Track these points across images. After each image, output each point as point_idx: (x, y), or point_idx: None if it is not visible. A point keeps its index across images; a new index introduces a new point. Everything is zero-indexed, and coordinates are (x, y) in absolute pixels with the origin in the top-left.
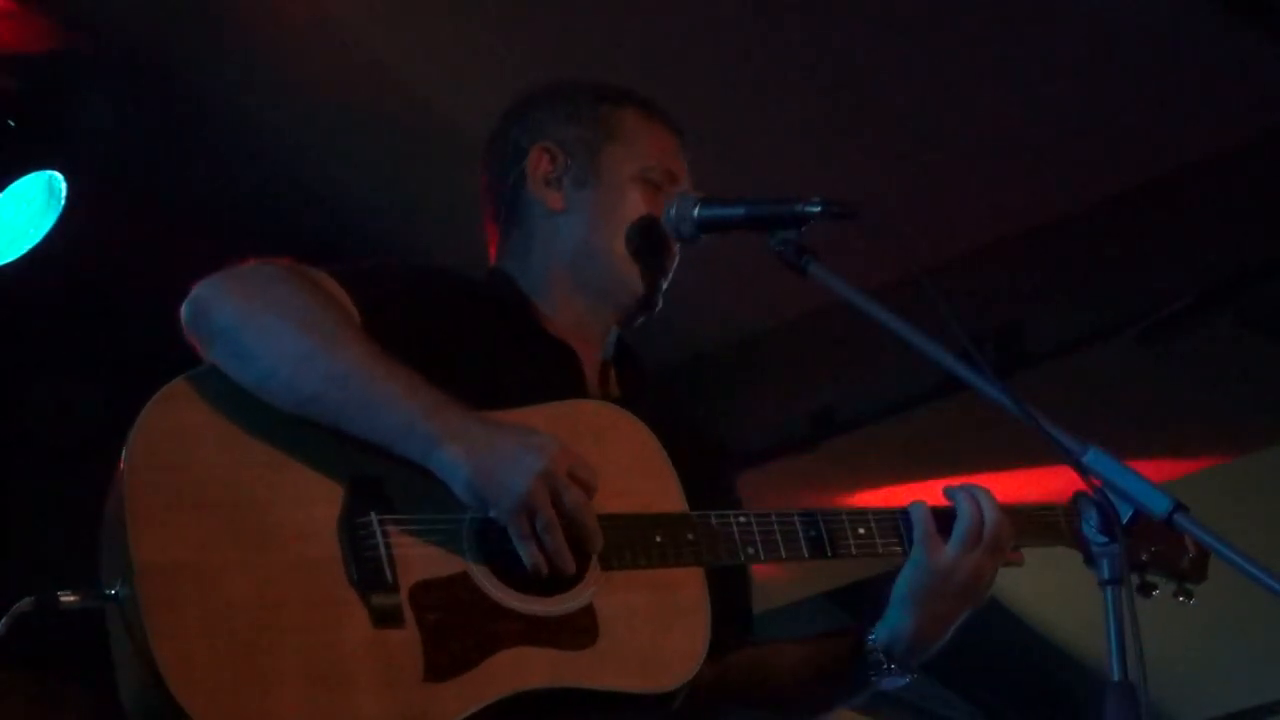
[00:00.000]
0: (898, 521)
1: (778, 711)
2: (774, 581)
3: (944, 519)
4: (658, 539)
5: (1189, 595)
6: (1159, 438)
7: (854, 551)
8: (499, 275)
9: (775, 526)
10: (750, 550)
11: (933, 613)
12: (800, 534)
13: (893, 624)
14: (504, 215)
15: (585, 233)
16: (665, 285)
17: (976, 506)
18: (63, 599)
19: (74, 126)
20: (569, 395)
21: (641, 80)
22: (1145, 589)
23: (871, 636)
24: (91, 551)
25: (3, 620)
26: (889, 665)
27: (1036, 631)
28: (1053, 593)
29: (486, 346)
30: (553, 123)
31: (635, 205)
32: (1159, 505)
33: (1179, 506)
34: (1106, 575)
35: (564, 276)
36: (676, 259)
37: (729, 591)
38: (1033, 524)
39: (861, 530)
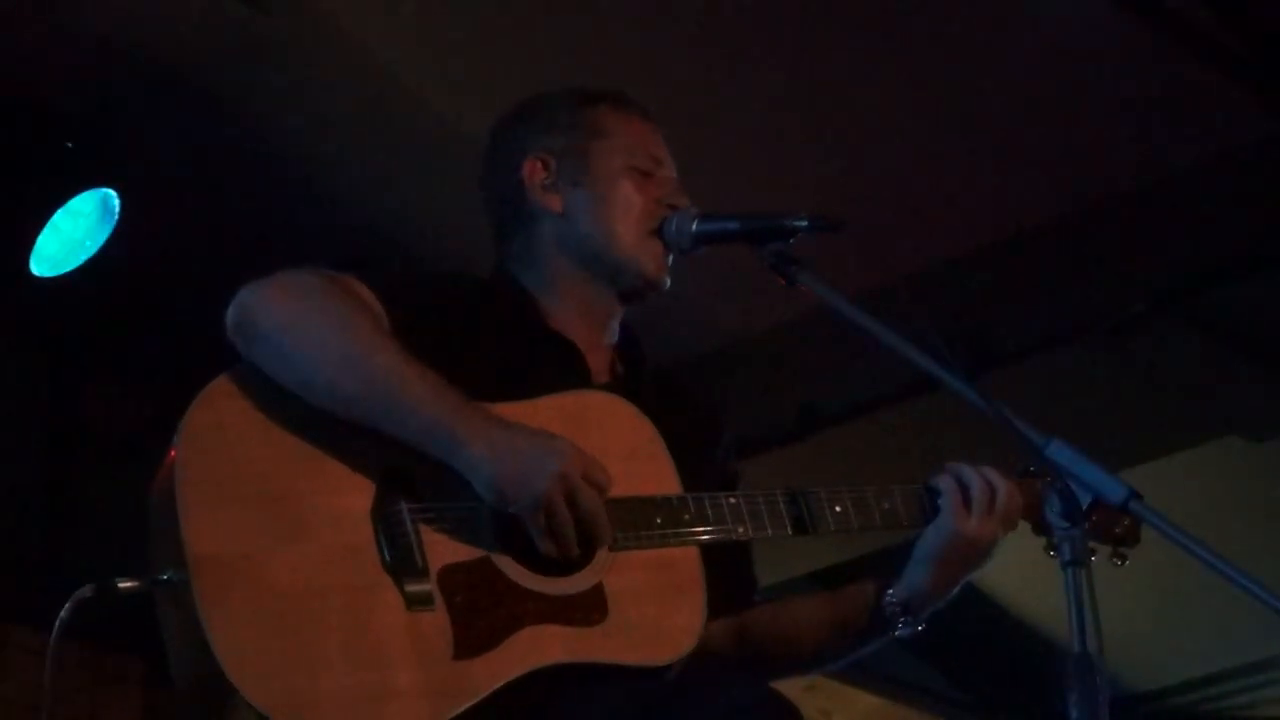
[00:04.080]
0: (869, 500)
1: (796, 661)
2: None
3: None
4: (658, 521)
5: (1123, 558)
6: (1115, 430)
7: (831, 528)
8: (504, 276)
9: (762, 506)
10: (740, 529)
11: (947, 573)
12: (784, 512)
13: (911, 582)
14: (507, 224)
15: (589, 226)
16: (670, 263)
17: (985, 479)
18: (120, 585)
19: (127, 148)
20: (573, 386)
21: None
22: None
23: (890, 591)
24: (144, 537)
25: (66, 606)
26: (905, 619)
27: (1008, 611)
28: (1023, 577)
29: (496, 344)
30: (537, 134)
31: (629, 194)
32: (1116, 493)
33: (1133, 494)
34: (1068, 557)
35: (571, 270)
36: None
37: (731, 560)
38: None
39: (838, 508)
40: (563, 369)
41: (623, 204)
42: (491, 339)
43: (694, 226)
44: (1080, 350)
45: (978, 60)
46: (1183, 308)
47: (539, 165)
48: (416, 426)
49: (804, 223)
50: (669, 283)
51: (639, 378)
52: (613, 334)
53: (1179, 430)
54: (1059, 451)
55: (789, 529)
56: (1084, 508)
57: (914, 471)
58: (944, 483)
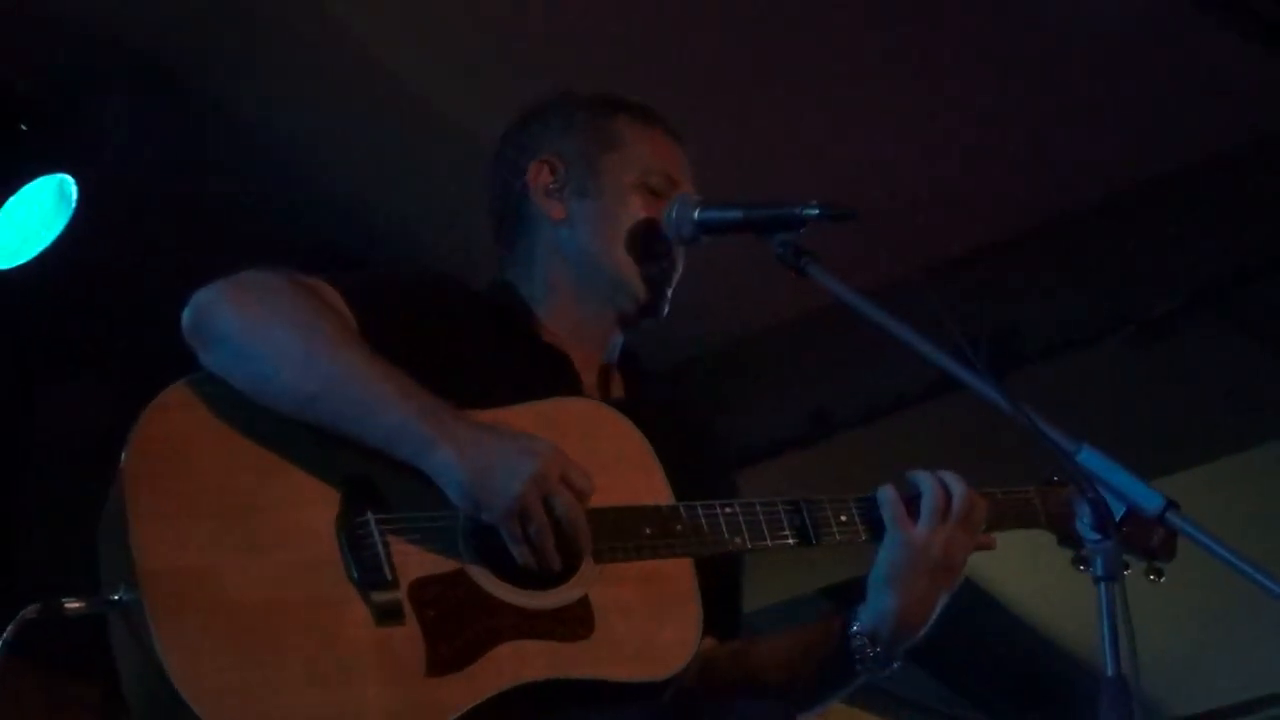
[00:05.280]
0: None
1: None
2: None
3: (914, 503)
4: (647, 531)
5: (1159, 574)
6: (1149, 436)
7: (837, 537)
8: (501, 285)
9: (760, 515)
10: (737, 539)
11: (911, 593)
12: (785, 521)
13: (875, 609)
14: (508, 228)
15: (587, 241)
16: (670, 291)
17: (940, 483)
18: (68, 605)
19: (84, 131)
20: (558, 394)
21: (648, 83)
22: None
23: (855, 624)
24: (95, 551)
25: (10, 626)
26: (874, 652)
27: (1027, 625)
28: (1045, 588)
29: (479, 353)
30: (550, 136)
31: (635, 212)
32: (1151, 503)
33: (1170, 504)
34: (1100, 572)
35: (566, 283)
36: (680, 265)
37: (719, 588)
38: (1007, 508)
39: (844, 517)
40: (551, 379)
41: (627, 222)
42: (471, 346)
43: (695, 214)
44: (1112, 350)
45: (1006, 50)
46: (1223, 305)
47: (546, 169)
48: (382, 428)
49: (815, 211)
50: (667, 310)
51: (641, 396)
52: (611, 353)
53: (1219, 436)
54: (1090, 458)
55: (791, 540)
56: (1117, 519)
57: None
58: (883, 493)
